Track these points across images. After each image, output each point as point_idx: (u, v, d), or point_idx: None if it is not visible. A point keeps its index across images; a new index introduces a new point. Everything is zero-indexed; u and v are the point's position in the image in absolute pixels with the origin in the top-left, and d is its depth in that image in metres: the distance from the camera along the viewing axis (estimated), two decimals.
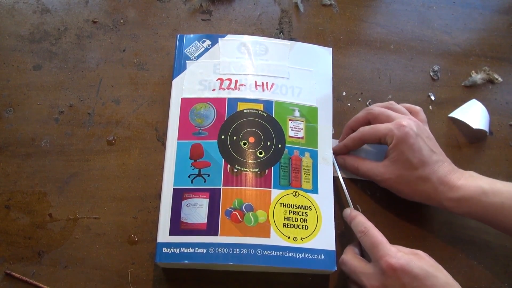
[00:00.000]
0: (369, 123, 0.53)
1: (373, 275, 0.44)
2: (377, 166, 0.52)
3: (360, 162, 0.53)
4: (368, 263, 0.46)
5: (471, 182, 0.49)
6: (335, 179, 0.54)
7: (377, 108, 0.53)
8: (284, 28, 0.64)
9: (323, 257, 0.48)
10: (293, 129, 0.54)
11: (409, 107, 0.54)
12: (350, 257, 0.47)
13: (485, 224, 0.50)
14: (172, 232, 0.48)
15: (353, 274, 0.46)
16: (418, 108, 0.54)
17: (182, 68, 0.56)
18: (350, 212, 0.50)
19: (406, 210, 0.55)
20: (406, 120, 0.50)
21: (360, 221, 0.48)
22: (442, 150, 0.52)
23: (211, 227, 0.48)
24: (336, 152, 0.55)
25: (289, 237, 0.49)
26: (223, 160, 0.51)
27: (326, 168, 0.53)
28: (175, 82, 0.56)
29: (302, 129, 0.54)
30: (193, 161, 0.51)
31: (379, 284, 0.43)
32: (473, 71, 0.64)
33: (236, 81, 0.55)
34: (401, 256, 0.43)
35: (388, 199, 0.55)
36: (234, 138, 0.53)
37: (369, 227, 0.47)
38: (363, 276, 0.45)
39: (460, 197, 0.48)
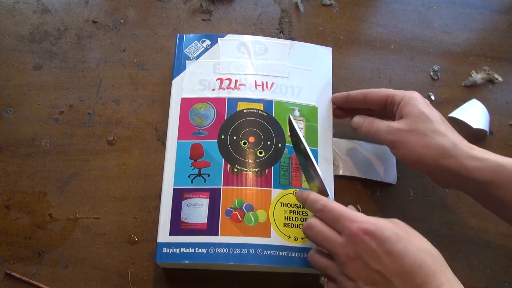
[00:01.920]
0: (365, 98, 0.52)
1: (343, 243, 0.40)
2: (389, 122, 0.48)
3: (376, 119, 0.49)
4: (337, 232, 0.42)
5: (488, 153, 0.45)
6: (334, 177, 0.54)
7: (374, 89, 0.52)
8: (284, 28, 0.64)
9: None
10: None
11: None
12: (318, 221, 0.43)
13: (493, 208, 0.46)
14: (172, 232, 0.48)
15: (322, 240, 0.42)
16: None
17: (182, 68, 0.56)
18: (301, 193, 0.46)
19: (406, 210, 0.55)
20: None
21: (314, 199, 0.44)
22: None
23: (211, 227, 0.48)
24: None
25: (289, 237, 0.49)
26: (223, 160, 0.51)
27: (327, 167, 0.53)
28: (175, 82, 0.56)
29: (302, 128, 0.54)
30: (193, 161, 0.51)
31: (350, 251, 0.40)
32: (473, 71, 0.64)
33: (236, 81, 0.55)
34: (369, 220, 0.40)
35: (389, 199, 0.55)
36: (234, 137, 0.53)
37: (326, 202, 0.43)
38: (333, 243, 0.41)
39: (487, 158, 0.43)
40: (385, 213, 0.55)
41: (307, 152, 0.48)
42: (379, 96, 0.49)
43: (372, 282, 0.39)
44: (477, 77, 0.63)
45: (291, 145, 0.53)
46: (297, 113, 0.54)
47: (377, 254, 0.39)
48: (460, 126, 0.61)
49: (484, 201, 0.47)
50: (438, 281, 0.37)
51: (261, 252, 0.47)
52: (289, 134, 0.52)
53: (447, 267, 0.39)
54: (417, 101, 0.47)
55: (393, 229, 0.39)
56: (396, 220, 0.41)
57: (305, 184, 0.51)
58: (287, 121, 0.51)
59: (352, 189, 0.56)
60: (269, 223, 0.49)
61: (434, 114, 0.47)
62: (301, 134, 0.50)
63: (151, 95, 0.58)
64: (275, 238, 0.48)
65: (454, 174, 0.45)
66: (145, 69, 0.60)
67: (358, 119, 0.52)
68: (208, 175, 0.51)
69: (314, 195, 0.45)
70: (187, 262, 0.47)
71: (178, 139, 0.52)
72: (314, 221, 0.43)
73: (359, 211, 0.50)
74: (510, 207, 0.44)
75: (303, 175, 0.52)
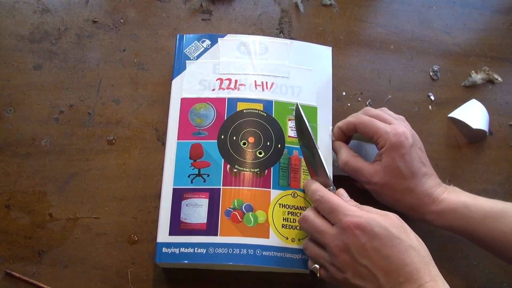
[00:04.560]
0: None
1: (335, 235, 0.42)
2: (367, 166, 0.50)
3: (352, 158, 0.51)
4: (330, 224, 0.44)
5: (454, 196, 0.48)
6: (334, 177, 0.54)
7: (374, 110, 0.52)
8: (284, 28, 0.64)
9: None
10: (293, 129, 0.54)
11: (395, 117, 0.53)
12: (312, 214, 0.45)
13: (465, 238, 0.49)
14: (172, 232, 0.48)
15: (315, 232, 0.44)
16: (402, 117, 0.53)
17: (182, 68, 0.56)
18: (307, 182, 0.49)
19: None
20: (402, 127, 0.49)
21: (314, 189, 0.46)
22: (430, 163, 0.51)
23: (210, 227, 0.48)
24: (334, 135, 0.54)
25: (287, 238, 0.49)
26: (223, 160, 0.51)
27: (327, 168, 0.53)
28: (175, 82, 0.56)
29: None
30: (192, 161, 0.51)
31: (341, 243, 0.42)
32: (473, 71, 0.64)
33: (236, 81, 0.55)
34: (361, 214, 0.42)
35: None
36: (234, 138, 0.53)
37: (324, 193, 0.45)
38: (325, 235, 0.43)
39: (442, 210, 0.48)
40: None
41: (312, 141, 0.49)
42: (366, 132, 0.50)
43: (359, 275, 0.41)
44: (477, 77, 0.63)
45: (291, 145, 0.53)
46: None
47: (365, 249, 0.40)
48: (460, 127, 0.61)
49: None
50: (421, 280, 0.38)
51: (260, 252, 0.48)
52: (292, 125, 0.52)
53: (433, 265, 0.41)
54: (395, 153, 0.48)
55: (384, 225, 0.41)
56: (390, 215, 0.43)
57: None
58: (294, 109, 0.50)
59: (352, 189, 0.55)
60: (268, 224, 0.49)
61: (408, 168, 0.48)
62: (307, 122, 0.49)
63: (151, 95, 0.58)
64: (274, 239, 0.48)
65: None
66: (145, 69, 0.60)
67: (335, 146, 0.54)
68: (208, 175, 0.51)
69: (315, 186, 0.47)
70: (186, 262, 0.47)
71: (178, 139, 0.53)
72: (308, 214, 0.46)
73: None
74: (476, 240, 0.49)
75: (302, 174, 0.52)
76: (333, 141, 0.54)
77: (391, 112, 0.53)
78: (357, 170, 0.51)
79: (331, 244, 0.42)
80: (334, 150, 0.54)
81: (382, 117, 0.51)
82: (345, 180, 0.55)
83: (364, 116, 0.51)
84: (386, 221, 0.41)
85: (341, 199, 0.44)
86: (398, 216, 0.43)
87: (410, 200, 0.49)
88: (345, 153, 0.52)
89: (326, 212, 0.44)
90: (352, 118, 0.52)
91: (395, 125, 0.49)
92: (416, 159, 0.49)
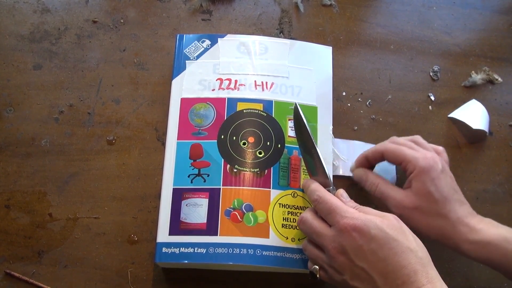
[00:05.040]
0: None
1: (332, 237, 0.42)
2: (397, 191, 0.49)
3: (381, 182, 0.51)
4: (328, 225, 0.44)
5: (492, 228, 0.47)
6: (334, 177, 0.54)
7: (401, 139, 0.52)
8: (284, 28, 0.64)
9: None
10: (293, 129, 0.54)
11: (432, 147, 0.52)
12: (310, 216, 0.45)
13: (501, 273, 0.48)
14: (172, 232, 0.48)
15: (313, 234, 0.44)
16: (441, 148, 0.52)
17: (182, 68, 0.56)
18: (306, 181, 0.49)
19: None
20: (431, 154, 0.48)
21: (313, 189, 0.46)
22: (462, 193, 0.50)
23: (210, 227, 0.48)
24: (356, 163, 0.54)
25: (287, 238, 0.49)
26: (223, 160, 0.51)
27: (327, 168, 0.53)
28: (175, 82, 0.56)
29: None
30: (192, 161, 0.51)
31: (338, 246, 0.41)
32: (473, 72, 0.64)
33: (236, 81, 0.55)
34: (358, 216, 0.41)
35: None
36: (234, 138, 0.53)
37: (322, 194, 0.45)
38: (323, 237, 0.43)
39: (480, 240, 0.46)
40: None
41: (312, 141, 0.49)
42: (394, 159, 0.50)
43: (357, 277, 0.41)
44: (477, 77, 0.63)
45: (290, 145, 0.53)
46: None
47: (362, 251, 0.40)
48: (460, 127, 0.61)
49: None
50: (419, 282, 0.38)
51: (260, 252, 0.47)
52: (292, 125, 0.52)
53: (432, 266, 0.40)
54: (426, 177, 0.47)
55: (382, 227, 0.40)
56: (389, 216, 0.42)
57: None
58: (293, 109, 0.50)
59: (352, 189, 0.56)
60: (268, 224, 0.49)
61: (440, 192, 0.47)
62: (306, 122, 0.49)
63: (151, 95, 0.58)
64: (274, 239, 0.48)
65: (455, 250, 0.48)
66: (145, 69, 0.60)
67: (360, 173, 0.53)
68: (208, 175, 0.51)
69: (314, 185, 0.47)
70: (186, 262, 0.47)
71: (178, 139, 0.53)
72: (306, 216, 0.46)
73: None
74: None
75: (302, 174, 0.52)
76: (352, 170, 0.54)
77: (423, 141, 0.52)
78: (387, 194, 0.50)
79: (329, 246, 0.42)
80: (357, 177, 0.53)
81: (409, 145, 0.50)
82: (345, 180, 0.56)
83: (391, 144, 0.51)
84: (384, 222, 0.41)
85: (339, 200, 0.44)
86: (396, 217, 0.43)
87: (444, 226, 0.47)
88: (374, 176, 0.52)
89: (324, 213, 0.44)
90: (378, 146, 0.52)
91: (423, 151, 0.49)
92: (448, 185, 0.48)
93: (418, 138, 0.52)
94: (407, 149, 0.49)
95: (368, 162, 0.53)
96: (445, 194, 0.47)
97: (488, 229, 0.47)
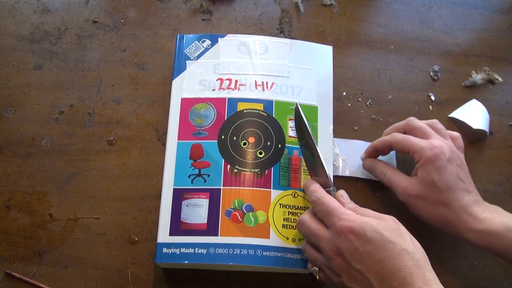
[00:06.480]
0: (404, 132, 0.52)
1: (329, 239, 0.42)
2: (403, 178, 0.50)
3: (389, 170, 0.52)
4: (326, 227, 0.44)
5: (496, 216, 0.47)
6: (334, 177, 0.54)
7: (418, 121, 0.52)
8: (284, 28, 0.64)
9: None
10: (293, 129, 0.54)
11: (449, 133, 0.52)
12: (309, 218, 0.46)
13: (505, 261, 0.48)
14: (172, 232, 0.48)
15: (311, 236, 0.45)
16: (456, 134, 0.53)
17: (182, 68, 0.56)
18: (306, 182, 0.49)
19: (406, 210, 0.55)
20: (439, 141, 0.48)
21: (312, 190, 0.47)
22: (472, 181, 0.50)
23: (211, 228, 0.48)
24: (366, 153, 0.55)
25: (288, 238, 0.49)
26: (223, 160, 0.51)
27: (327, 168, 0.53)
28: (175, 82, 0.56)
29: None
30: (193, 161, 0.51)
31: (334, 248, 0.42)
32: (473, 71, 0.64)
33: (236, 81, 0.55)
34: (355, 218, 0.41)
35: (388, 199, 0.55)
36: (234, 138, 0.53)
37: (321, 195, 0.45)
38: (320, 239, 0.43)
39: (483, 230, 0.46)
40: (385, 214, 0.55)
41: (312, 141, 0.49)
42: (402, 149, 0.50)
43: (354, 279, 0.41)
44: (477, 77, 0.63)
45: (291, 145, 0.53)
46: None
47: (359, 253, 0.40)
48: (460, 127, 0.61)
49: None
50: (415, 285, 0.38)
51: (260, 253, 0.48)
52: (293, 125, 0.52)
53: (429, 268, 0.40)
54: (431, 166, 0.48)
55: (378, 229, 0.40)
56: (386, 217, 0.43)
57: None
58: (294, 109, 0.50)
59: (352, 189, 0.56)
60: (269, 224, 0.49)
61: (444, 181, 0.47)
62: (307, 122, 0.49)
63: (151, 95, 0.58)
64: (274, 239, 0.48)
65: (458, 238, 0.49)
66: (145, 69, 0.60)
67: (369, 164, 0.54)
68: (208, 176, 0.51)
69: (314, 187, 0.47)
70: (187, 262, 0.47)
71: (178, 139, 0.53)
72: (304, 218, 0.46)
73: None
74: None
75: (303, 174, 0.52)
76: (362, 159, 0.55)
77: (440, 126, 0.52)
78: (393, 181, 0.51)
79: (326, 248, 0.43)
80: (367, 167, 0.54)
81: (422, 131, 0.50)
82: (345, 180, 0.56)
83: (399, 134, 0.51)
84: (380, 224, 0.41)
85: (337, 202, 0.44)
86: (394, 219, 0.43)
87: (446, 215, 0.48)
88: (383, 165, 0.53)
89: (322, 215, 0.44)
90: (387, 137, 0.52)
91: (431, 140, 0.49)
92: (453, 174, 0.48)
93: (435, 123, 0.52)
94: (414, 138, 0.50)
95: (377, 152, 0.54)
96: (449, 183, 0.48)
97: (492, 218, 0.47)
